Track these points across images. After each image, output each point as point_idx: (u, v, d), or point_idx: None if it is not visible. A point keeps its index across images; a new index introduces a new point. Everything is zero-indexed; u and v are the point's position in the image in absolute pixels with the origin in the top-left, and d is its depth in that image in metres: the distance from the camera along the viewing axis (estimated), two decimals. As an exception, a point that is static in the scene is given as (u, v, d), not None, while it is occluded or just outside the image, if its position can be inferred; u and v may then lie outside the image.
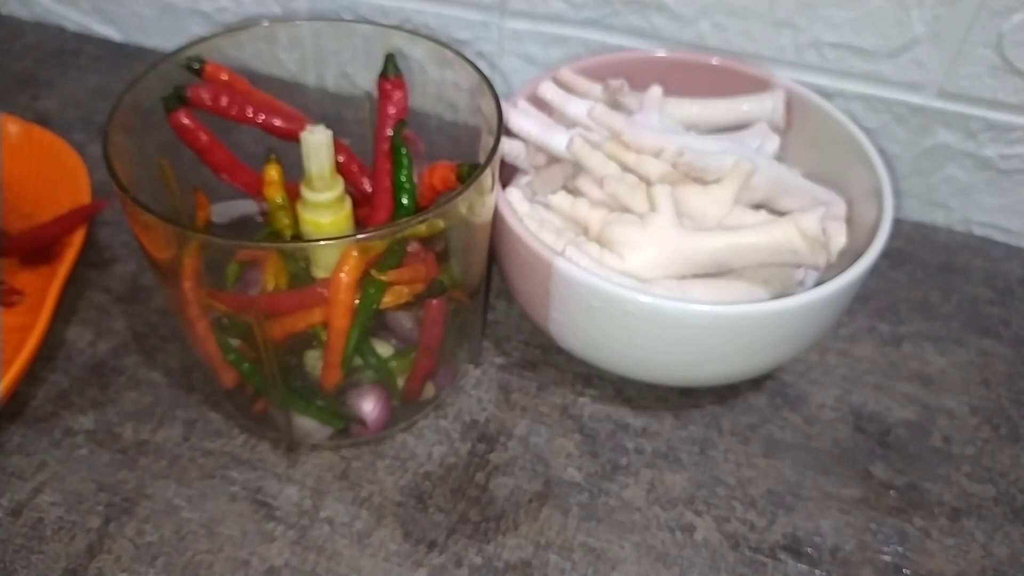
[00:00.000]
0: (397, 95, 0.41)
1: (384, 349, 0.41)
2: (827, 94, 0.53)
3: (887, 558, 0.40)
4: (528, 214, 0.43)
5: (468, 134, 0.43)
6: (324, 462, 0.42)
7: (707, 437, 0.44)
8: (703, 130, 0.48)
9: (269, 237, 0.42)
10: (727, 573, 0.39)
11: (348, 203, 0.40)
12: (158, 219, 0.33)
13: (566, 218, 0.44)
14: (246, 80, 0.41)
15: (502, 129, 0.38)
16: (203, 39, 0.41)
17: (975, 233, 0.57)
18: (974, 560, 0.40)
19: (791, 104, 0.49)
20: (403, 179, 0.40)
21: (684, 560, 0.40)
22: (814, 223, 0.39)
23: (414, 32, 0.43)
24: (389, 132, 0.41)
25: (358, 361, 0.40)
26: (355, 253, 0.35)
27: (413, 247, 0.37)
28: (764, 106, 0.48)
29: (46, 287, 0.44)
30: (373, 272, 0.36)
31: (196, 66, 0.40)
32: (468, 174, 0.37)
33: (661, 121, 0.45)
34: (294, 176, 0.40)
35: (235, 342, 0.40)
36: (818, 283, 0.40)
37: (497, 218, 0.41)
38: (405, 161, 0.40)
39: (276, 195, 0.40)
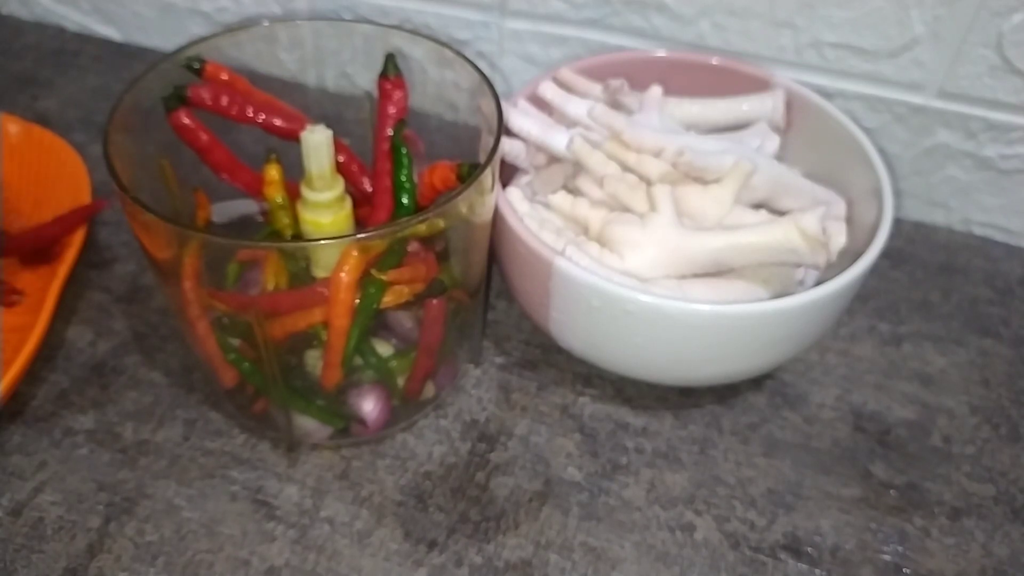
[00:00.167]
0: (397, 95, 0.41)
1: (384, 349, 0.41)
2: (827, 94, 0.53)
3: (887, 557, 0.40)
4: (528, 214, 0.43)
5: (468, 134, 0.43)
6: (324, 462, 0.42)
7: (707, 437, 0.44)
8: (703, 130, 0.48)
9: (269, 237, 0.42)
10: (727, 573, 0.39)
11: (348, 203, 0.40)
12: (158, 219, 0.33)
13: (566, 218, 0.44)
14: (246, 80, 0.41)
15: (502, 129, 0.38)
16: (203, 39, 0.41)
17: (975, 233, 0.57)
18: (974, 560, 0.40)
19: (791, 104, 0.49)
20: (403, 179, 0.40)
21: (684, 560, 0.40)
22: (814, 223, 0.39)
23: (414, 32, 0.43)
24: (389, 132, 0.41)
25: (358, 361, 0.40)
26: (355, 253, 0.35)
27: (413, 247, 0.37)
28: (764, 106, 0.48)
29: (46, 287, 0.44)
30: (373, 272, 0.36)
31: (196, 66, 0.40)
32: (468, 174, 0.37)
33: (661, 121, 0.45)
34: (294, 176, 0.40)
35: (235, 342, 0.40)
36: (818, 283, 0.40)
37: (497, 218, 0.41)
38: (405, 161, 0.40)
39: (276, 195, 0.40)
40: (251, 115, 0.40)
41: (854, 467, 0.44)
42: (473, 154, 0.42)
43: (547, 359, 0.47)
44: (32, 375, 0.45)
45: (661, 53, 0.51)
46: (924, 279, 0.53)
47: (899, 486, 0.43)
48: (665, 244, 0.40)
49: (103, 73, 0.66)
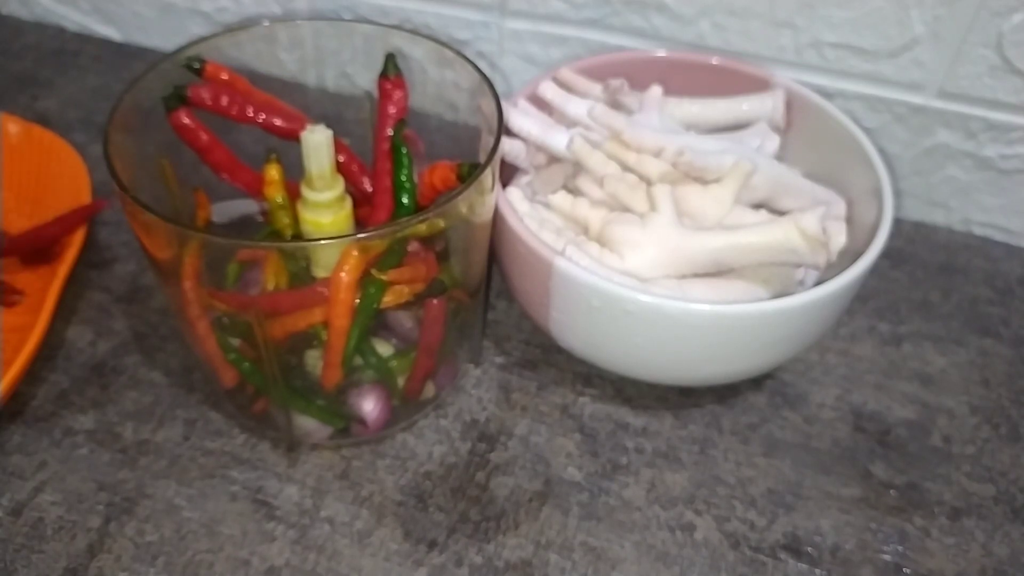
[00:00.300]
0: (397, 95, 0.41)
1: (384, 349, 0.41)
2: (827, 94, 0.53)
3: (887, 557, 0.40)
4: (528, 214, 0.43)
5: (468, 134, 0.43)
6: (324, 462, 0.42)
7: (707, 436, 0.44)
8: (703, 130, 0.48)
9: (269, 237, 0.42)
10: (727, 572, 0.39)
11: (348, 203, 0.40)
12: (158, 219, 0.33)
13: (566, 218, 0.44)
14: (246, 80, 0.41)
15: (502, 129, 0.38)
16: (203, 39, 0.41)
17: (975, 233, 0.57)
18: (974, 559, 0.40)
19: (791, 104, 0.49)
20: (403, 179, 0.40)
21: (684, 559, 0.40)
22: (814, 223, 0.39)
23: (414, 32, 0.43)
24: (389, 132, 0.41)
25: (358, 361, 0.40)
26: (355, 252, 0.35)
27: (413, 247, 0.37)
28: (764, 106, 0.48)
29: (46, 287, 0.44)
30: (373, 271, 0.36)
31: (196, 66, 0.40)
32: (468, 174, 0.37)
33: (661, 121, 0.45)
34: (294, 176, 0.40)
35: (235, 342, 0.40)
36: (818, 283, 0.40)
37: (497, 218, 0.41)
38: (405, 161, 0.40)
39: (276, 195, 0.40)
40: (251, 115, 0.40)
41: (854, 467, 0.44)
42: (473, 154, 0.42)
43: (547, 359, 0.47)
44: (32, 375, 0.45)
45: (661, 53, 0.51)
46: (924, 279, 0.54)
47: (899, 486, 0.43)
48: (665, 244, 0.40)
49: (103, 73, 0.66)
